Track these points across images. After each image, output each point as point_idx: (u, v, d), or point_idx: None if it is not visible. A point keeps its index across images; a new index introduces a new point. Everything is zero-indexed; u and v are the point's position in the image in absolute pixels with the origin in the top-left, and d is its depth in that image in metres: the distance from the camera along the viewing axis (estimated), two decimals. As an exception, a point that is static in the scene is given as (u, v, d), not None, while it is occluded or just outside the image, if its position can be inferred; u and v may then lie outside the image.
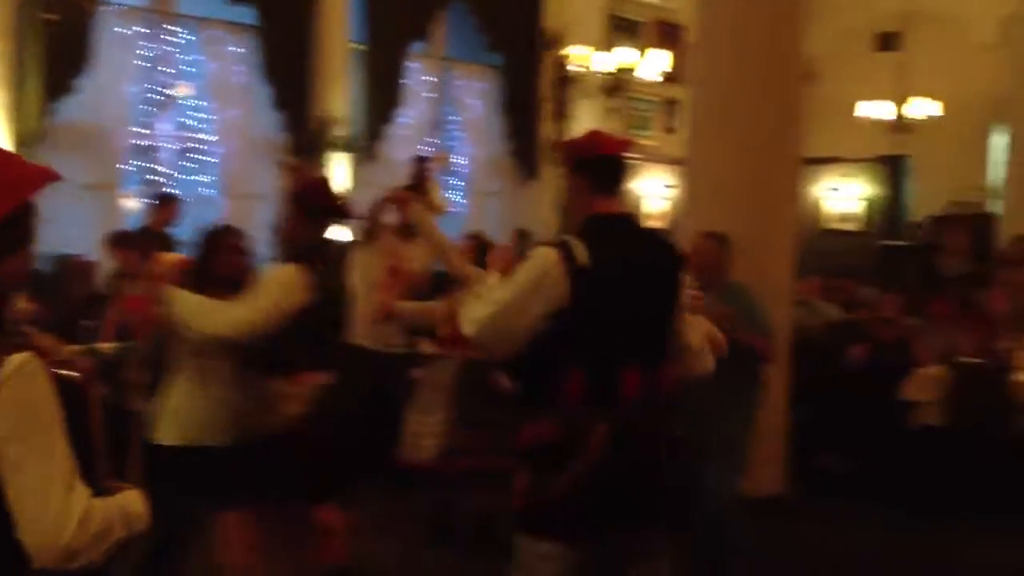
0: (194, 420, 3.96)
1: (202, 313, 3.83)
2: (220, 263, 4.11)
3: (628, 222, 3.28)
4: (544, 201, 12.13)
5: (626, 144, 3.37)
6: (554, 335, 3.04)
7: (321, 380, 4.03)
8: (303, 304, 3.87)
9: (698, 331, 3.32)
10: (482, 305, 3.12)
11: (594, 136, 3.37)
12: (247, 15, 10.11)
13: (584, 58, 9.69)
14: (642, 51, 10.76)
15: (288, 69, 10.21)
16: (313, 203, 4.15)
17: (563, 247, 3.04)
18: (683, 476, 3.16)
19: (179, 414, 3.98)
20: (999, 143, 12.18)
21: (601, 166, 3.22)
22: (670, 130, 12.91)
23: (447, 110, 12.10)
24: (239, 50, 10.23)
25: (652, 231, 3.40)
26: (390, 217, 6.33)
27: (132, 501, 2.03)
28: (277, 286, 3.88)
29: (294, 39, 10.19)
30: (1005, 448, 6.31)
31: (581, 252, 3.02)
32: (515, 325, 3.05)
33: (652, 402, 3.08)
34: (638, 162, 13.32)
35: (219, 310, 3.82)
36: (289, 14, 10.15)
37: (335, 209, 4.26)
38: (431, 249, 5.01)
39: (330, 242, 4.43)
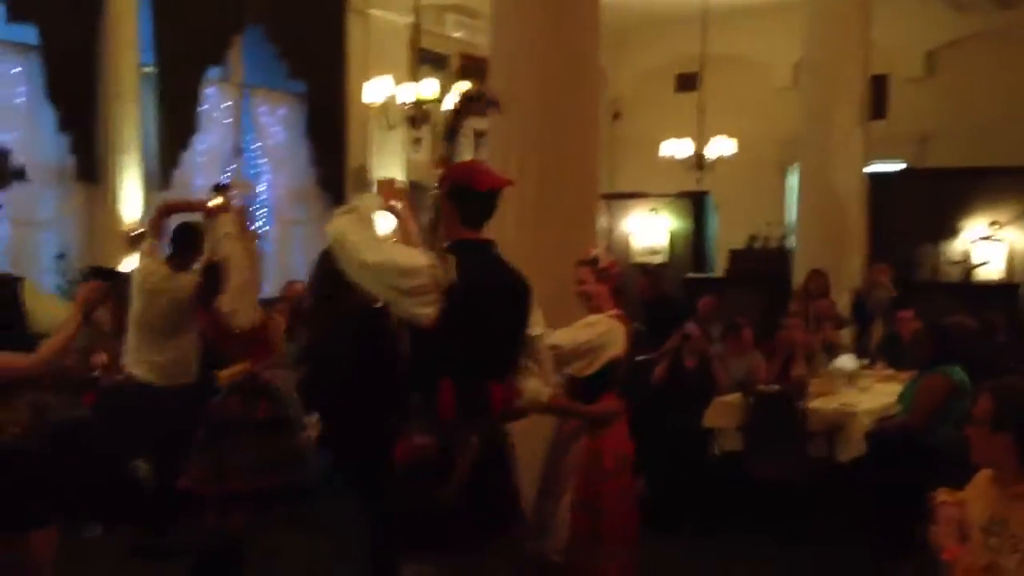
0: None
1: None
2: None
3: (489, 249, 3.45)
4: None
5: (500, 182, 3.48)
6: (427, 348, 3.25)
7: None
8: None
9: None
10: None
11: (470, 168, 3.53)
12: (29, 34, 9.48)
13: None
14: (448, 83, 10.68)
15: (73, 91, 9.65)
16: None
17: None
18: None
19: None
20: (794, 182, 12.67)
21: (471, 200, 3.38)
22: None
23: (248, 137, 11.72)
24: (20, 71, 9.58)
25: (505, 261, 3.52)
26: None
27: None
28: None
29: (79, 60, 9.65)
30: (796, 473, 6.44)
31: (452, 271, 3.23)
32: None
33: (506, 414, 3.38)
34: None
35: None
36: (73, 34, 9.59)
37: None
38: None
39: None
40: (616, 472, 4.48)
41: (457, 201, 3.39)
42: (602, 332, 4.36)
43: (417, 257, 3.30)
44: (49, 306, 4.04)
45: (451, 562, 3.25)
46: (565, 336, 4.23)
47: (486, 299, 3.32)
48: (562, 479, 4.40)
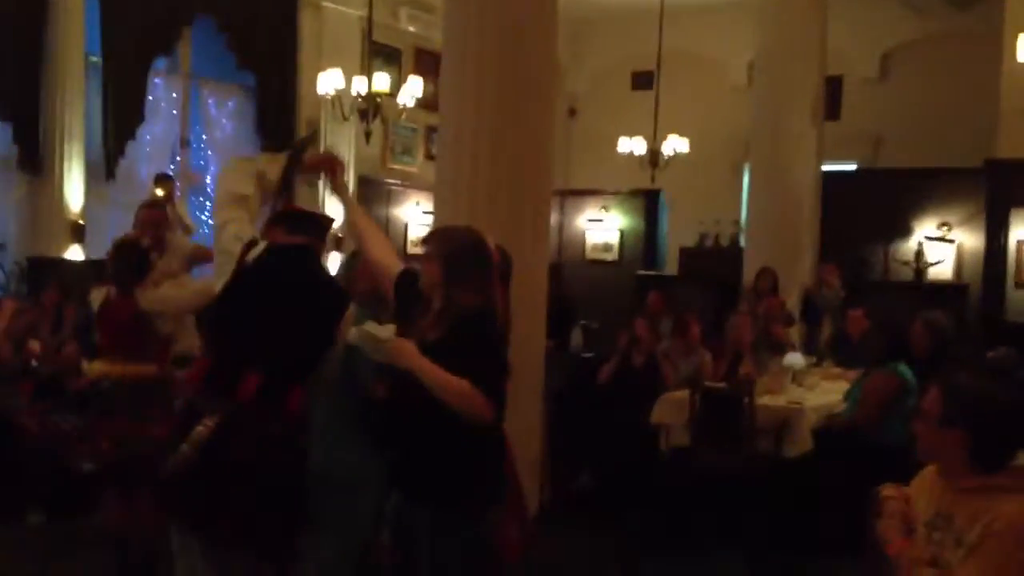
0: None
1: None
2: None
3: (301, 253, 3.44)
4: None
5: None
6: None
7: None
8: None
9: None
10: None
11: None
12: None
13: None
14: (400, 78, 10.61)
15: (17, 79, 9.49)
16: None
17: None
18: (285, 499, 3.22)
19: None
20: (747, 180, 12.69)
21: (295, 215, 3.52)
22: (432, 157, 12.80)
23: (196, 128, 11.56)
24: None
25: (314, 270, 3.54)
26: None
27: None
28: None
29: (23, 48, 9.49)
30: (743, 469, 6.42)
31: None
32: None
33: (270, 411, 3.20)
34: (399, 187, 13.17)
35: None
36: (17, 22, 9.45)
37: None
38: None
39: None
40: None
41: (281, 223, 3.49)
42: None
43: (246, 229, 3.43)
44: None
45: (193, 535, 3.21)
46: None
47: (262, 288, 3.33)
48: None
